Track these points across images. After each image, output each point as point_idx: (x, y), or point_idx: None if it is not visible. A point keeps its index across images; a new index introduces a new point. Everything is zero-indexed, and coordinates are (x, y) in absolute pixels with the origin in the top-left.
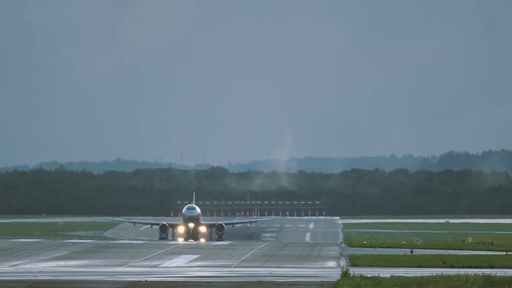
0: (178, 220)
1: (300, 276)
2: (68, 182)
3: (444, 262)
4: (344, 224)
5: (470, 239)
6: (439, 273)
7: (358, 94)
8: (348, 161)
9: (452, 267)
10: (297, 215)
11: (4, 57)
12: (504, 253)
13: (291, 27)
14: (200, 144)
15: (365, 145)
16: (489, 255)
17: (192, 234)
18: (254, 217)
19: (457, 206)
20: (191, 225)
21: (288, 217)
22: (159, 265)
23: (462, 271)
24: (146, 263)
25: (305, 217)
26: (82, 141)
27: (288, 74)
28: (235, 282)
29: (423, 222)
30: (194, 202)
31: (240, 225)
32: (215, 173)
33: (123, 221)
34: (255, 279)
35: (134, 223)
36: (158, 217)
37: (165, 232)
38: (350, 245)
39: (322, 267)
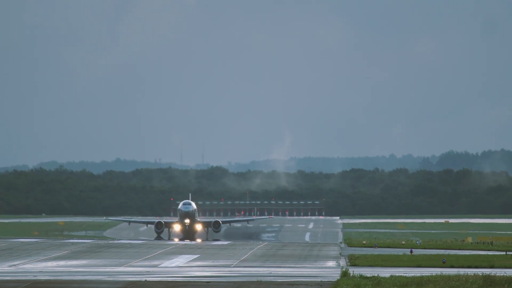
0: (176, 219)
1: (300, 276)
2: (68, 182)
3: (443, 262)
4: (343, 224)
5: (469, 239)
6: (439, 273)
7: (358, 94)
8: (347, 161)
9: (452, 267)
10: (296, 215)
11: (4, 57)
12: (504, 253)
13: (291, 27)
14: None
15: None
16: (488, 255)
17: (188, 231)
18: (254, 217)
19: (457, 206)
20: (187, 221)
21: (288, 217)
22: (159, 265)
23: (462, 271)
24: (146, 263)
25: (305, 217)
26: (82, 141)
27: (288, 74)
28: (234, 282)
29: (423, 222)
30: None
31: (239, 224)
32: (215, 173)
33: (118, 220)
34: (254, 279)
35: (129, 222)
36: (157, 217)
37: (160, 229)
38: (350, 245)
39: (321, 267)
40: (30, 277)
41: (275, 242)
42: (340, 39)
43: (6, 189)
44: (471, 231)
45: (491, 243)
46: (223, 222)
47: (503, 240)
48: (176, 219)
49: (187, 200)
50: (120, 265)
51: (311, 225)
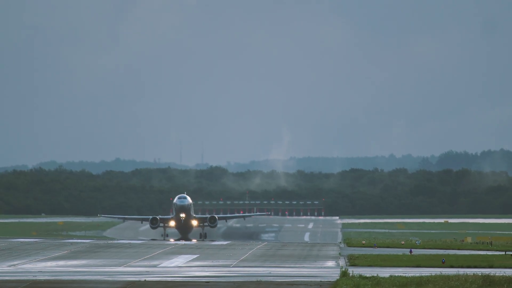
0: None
1: (299, 276)
2: (68, 182)
3: (443, 262)
4: (343, 224)
5: (469, 239)
6: (438, 273)
7: (357, 94)
8: (347, 161)
9: (451, 267)
10: (296, 215)
11: (4, 57)
12: (503, 253)
13: (291, 27)
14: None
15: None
16: (488, 255)
17: (183, 227)
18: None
19: (456, 206)
20: (182, 215)
21: (288, 217)
22: (158, 265)
23: (461, 271)
24: (145, 263)
25: (304, 217)
26: (81, 141)
27: (287, 74)
28: (234, 282)
29: (422, 222)
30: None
31: (238, 224)
32: (214, 173)
33: (113, 217)
34: (254, 279)
35: (124, 218)
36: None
37: (155, 224)
38: (349, 245)
39: (321, 267)
40: (30, 277)
41: (275, 242)
42: (339, 39)
43: (5, 189)
44: (471, 231)
45: (491, 243)
46: (220, 218)
47: (502, 240)
48: (171, 215)
49: (182, 194)
50: (120, 265)
51: (310, 225)
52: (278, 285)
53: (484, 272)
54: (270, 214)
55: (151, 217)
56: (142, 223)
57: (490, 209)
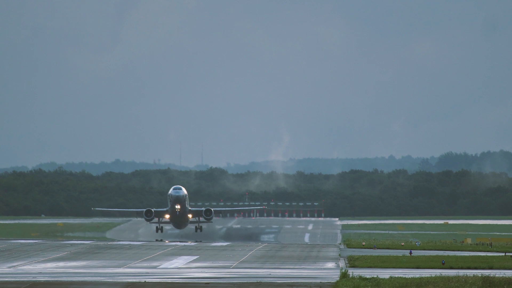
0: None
1: (299, 277)
2: (67, 183)
3: (443, 263)
4: (343, 225)
5: (469, 240)
6: (438, 274)
7: (357, 95)
8: (346, 162)
9: (451, 268)
10: (296, 216)
11: (4, 57)
12: (503, 254)
13: (291, 28)
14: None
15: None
16: (488, 256)
17: (178, 219)
18: (253, 218)
19: (456, 207)
20: (178, 207)
21: (287, 218)
22: (158, 266)
23: (461, 272)
24: (145, 264)
25: (304, 218)
26: (81, 142)
27: (287, 75)
28: (234, 283)
29: (422, 223)
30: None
31: (238, 225)
32: (214, 174)
33: (107, 211)
34: (254, 280)
35: (117, 211)
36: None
37: (150, 217)
38: (349, 246)
39: (321, 268)
40: (30, 278)
41: (275, 243)
42: (339, 40)
43: (5, 190)
44: (471, 232)
45: (490, 244)
46: (215, 212)
47: (502, 241)
48: (166, 208)
49: (177, 185)
50: (120, 266)
51: (310, 226)
52: (278, 287)
53: (484, 274)
54: (265, 207)
55: (145, 209)
56: (137, 215)
57: (490, 210)
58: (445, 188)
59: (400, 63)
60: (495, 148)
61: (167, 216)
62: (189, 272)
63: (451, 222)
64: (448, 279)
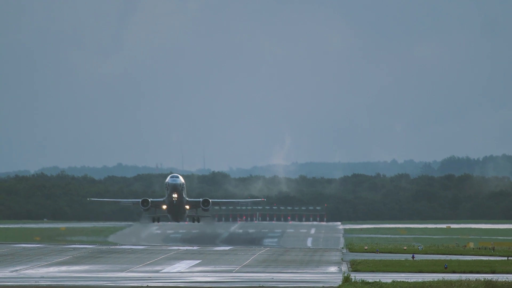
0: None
1: (302, 282)
2: (69, 187)
3: (445, 267)
4: (345, 229)
5: (471, 245)
6: (441, 278)
7: (359, 99)
8: (349, 166)
9: (454, 272)
10: (298, 221)
11: (6, 61)
12: (506, 258)
13: (292, 31)
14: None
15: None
16: (490, 260)
17: (175, 208)
18: (255, 222)
19: (459, 211)
20: (175, 195)
21: (290, 223)
22: (161, 270)
23: (464, 276)
24: (148, 268)
25: (307, 223)
26: (83, 146)
27: (289, 78)
28: None
29: (425, 227)
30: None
31: (240, 230)
32: (216, 178)
33: (103, 201)
34: (256, 285)
35: (114, 202)
36: (159, 223)
37: (146, 206)
38: (352, 250)
39: (323, 272)
40: (32, 283)
41: (277, 248)
42: (341, 43)
43: (7, 194)
44: (473, 237)
45: (493, 249)
46: (214, 203)
47: (505, 245)
48: (163, 198)
49: (174, 174)
50: (122, 271)
51: (312, 231)
52: None
53: (486, 278)
54: (264, 200)
55: (141, 199)
56: (133, 205)
57: (492, 215)
58: (447, 192)
59: (402, 66)
60: (497, 152)
61: (164, 206)
62: (192, 277)
63: (453, 226)
64: (450, 283)
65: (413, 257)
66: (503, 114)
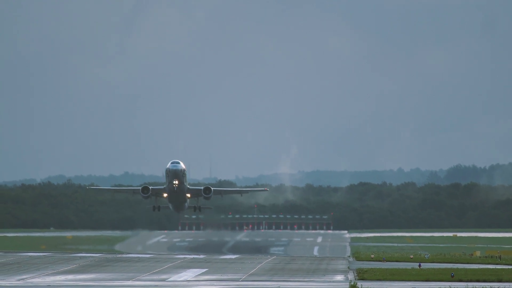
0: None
1: None
2: (76, 196)
3: (452, 276)
4: (351, 238)
5: (478, 253)
6: (447, 287)
7: (365, 107)
8: (355, 174)
9: (460, 281)
10: (304, 229)
11: (11, 69)
12: None
13: (298, 39)
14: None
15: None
16: (497, 269)
17: (176, 196)
18: (262, 230)
19: (465, 219)
20: (175, 182)
21: (296, 231)
22: (167, 279)
23: (470, 285)
24: (154, 277)
25: (313, 231)
26: (90, 155)
27: (295, 87)
28: None
29: (431, 236)
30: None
31: (247, 238)
32: (223, 187)
33: (104, 189)
34: None
35: (114, 190)
36: (165, 231)
37: (147, 194)
38: (358, 259)
39: (330, 281)
40: None
41: (284, 256)
42: (346, 50)
43: (14, 203)
44: (480, 245)
45: (500, 257)
46: (215, 191)
47: (511, 254)
48: (163, 185)
49: (175, 160)
50: (129, 279)
51: (319, 239)
52: None
53: (493, 286)
54: (267, 190)
55: (141, 186)
56: (133, 193)
57: (499, 223)
58: (454, 200)
59: (408, 74)
60: (504, 160)
61: (165, 194)
62: (198, 285)
63: (460, 234)
64: None
65: (419, 265)
66: (510, 123)
